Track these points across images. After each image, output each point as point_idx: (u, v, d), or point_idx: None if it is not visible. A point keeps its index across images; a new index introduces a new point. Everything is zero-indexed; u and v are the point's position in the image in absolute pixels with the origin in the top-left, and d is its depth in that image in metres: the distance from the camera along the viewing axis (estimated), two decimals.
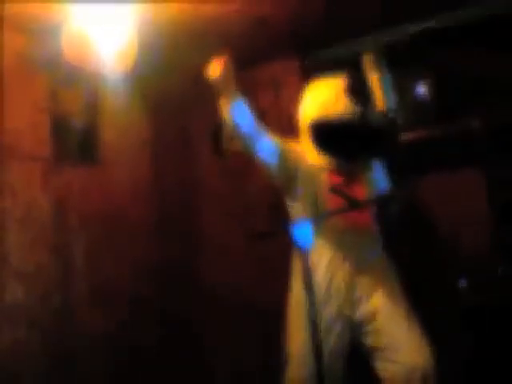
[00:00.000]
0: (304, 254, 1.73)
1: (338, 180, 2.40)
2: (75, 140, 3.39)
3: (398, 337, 2.25)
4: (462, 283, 3.01)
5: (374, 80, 2.19)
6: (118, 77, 3.08)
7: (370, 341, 2.32)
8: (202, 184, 3.95)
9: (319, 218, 2.21)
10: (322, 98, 2.42)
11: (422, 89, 3.41)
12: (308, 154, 2.49)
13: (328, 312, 2.28)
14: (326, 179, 2.41)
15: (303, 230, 1.74)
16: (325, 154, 2.43)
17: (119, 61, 2.86)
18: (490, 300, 2.89)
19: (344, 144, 2.32)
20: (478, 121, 3.16)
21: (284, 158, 2.41)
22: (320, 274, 2.33)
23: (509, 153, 3.05)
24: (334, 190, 2.03)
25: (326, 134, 2.42)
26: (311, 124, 2.45)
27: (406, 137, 3.28)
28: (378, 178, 2.58)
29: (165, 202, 3.85)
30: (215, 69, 2.28)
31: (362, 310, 2.34)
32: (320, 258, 2.35)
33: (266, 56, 3.54)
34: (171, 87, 3.68)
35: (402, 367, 2.19)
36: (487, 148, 3.14)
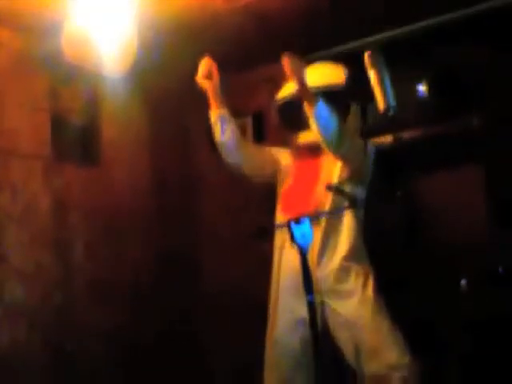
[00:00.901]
0: (302, 251, 1.73)
1: (308, 159, 2.43)
2: (75, 138, 3.40)
3: (377, 335, 2.22)
4: (462, 283, 3.00)
5: (374, 78, 2.18)
6: (117, 75, 3.07)
7: (347, 337, 2.28)
8: (201, 181, 3.95)
9: (316, 216, 2.20)
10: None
11: (421, 87, 3.41)
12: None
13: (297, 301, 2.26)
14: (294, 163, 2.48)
15: (302, 227, 1.74)
16: (290, 131, 2.50)
17: (119, 59, 2.86)
18: (490, 300, 2.88)
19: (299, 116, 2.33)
20: (477, 119, 3.15)
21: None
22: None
23: (508, 151, 3.04)
24: (330, 187, 2.02)
25: (284, 110, 2.49)
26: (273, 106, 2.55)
27: (405, 135, 3.28)
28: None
29: (164, 199, 3.85)
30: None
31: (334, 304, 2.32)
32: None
33: (266, 55, 3.53)
34: (171, 85, 3.68)
35: (383, 366, 2.17)
36: (487, 146, 3.13)
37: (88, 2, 2.67)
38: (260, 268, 3.55)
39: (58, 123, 3.24)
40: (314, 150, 2.39)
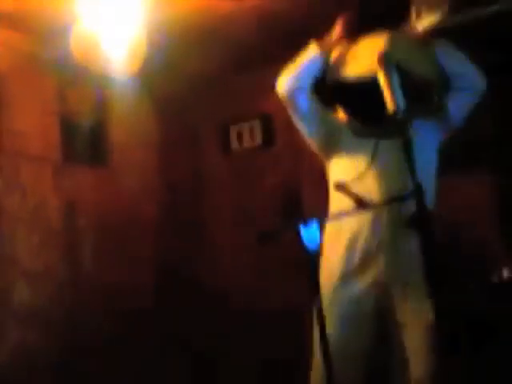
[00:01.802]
0: (311, 256, 1.71)
1: None
2: (84, 140, 3.41)
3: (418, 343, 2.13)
4: (467, 287, 2.97)
5: (384, 79, 2.15)
6: (126, 77, 3.08)
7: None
8: (211, 184, 3.94)
9: (327, 219, 2.17)
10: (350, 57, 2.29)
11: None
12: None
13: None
14: None
15: (311, 231, 1.72)
16: (345, 114, 2.26)
17: (127, 61, 2.86)
18: (494, 304, 2.85)
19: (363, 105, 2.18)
20: (488, 122, 3.12)
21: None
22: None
23: None
24: (340, 187, 1.96)
25: (343, 93, 2.27)
26: (329, 83, 2.31)
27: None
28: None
29: (174, 201, 3.85)
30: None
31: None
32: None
33: (274, 56, 3.52)
34: (179, 86, 3.68)
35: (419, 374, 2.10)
36: (500, 152, 3.10)
37: (97, 5, 2.67)
38: (272, 272, 3.55)
39: (67, 125, 3.26)
40: None
